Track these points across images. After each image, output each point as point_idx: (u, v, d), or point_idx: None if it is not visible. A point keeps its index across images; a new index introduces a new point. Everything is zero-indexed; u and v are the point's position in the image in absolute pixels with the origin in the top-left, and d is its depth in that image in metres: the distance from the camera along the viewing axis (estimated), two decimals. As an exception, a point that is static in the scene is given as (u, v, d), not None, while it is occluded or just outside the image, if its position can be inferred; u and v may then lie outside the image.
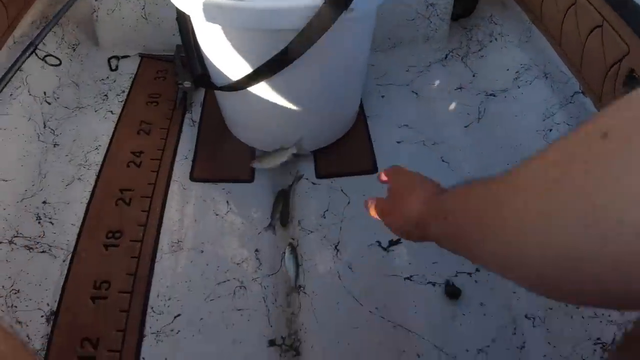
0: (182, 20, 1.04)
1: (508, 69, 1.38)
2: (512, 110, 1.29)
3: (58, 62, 1.00)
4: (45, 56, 0.94)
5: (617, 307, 0.32)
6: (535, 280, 0.32)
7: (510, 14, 1.49)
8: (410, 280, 0.98)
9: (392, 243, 1.03)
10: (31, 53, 0.90)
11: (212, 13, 0.85)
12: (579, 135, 0.28)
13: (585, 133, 0.28)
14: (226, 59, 0.96)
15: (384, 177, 0.70)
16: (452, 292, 0.96)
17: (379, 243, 1.03)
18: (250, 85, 0.96)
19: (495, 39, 1.48)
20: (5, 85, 0.83)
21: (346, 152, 1.20)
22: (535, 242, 0.30)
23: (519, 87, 1.33)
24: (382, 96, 1.37)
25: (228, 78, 0.98)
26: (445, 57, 1.51)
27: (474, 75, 1.44)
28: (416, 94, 1.38)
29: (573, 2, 1.14)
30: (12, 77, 0.84)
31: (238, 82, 0.96)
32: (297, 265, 0.99)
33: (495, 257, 0.36)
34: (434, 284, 0.98)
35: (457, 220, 0.45)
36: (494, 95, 1.35)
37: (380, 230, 1.04)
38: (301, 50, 0.86)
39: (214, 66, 1.00)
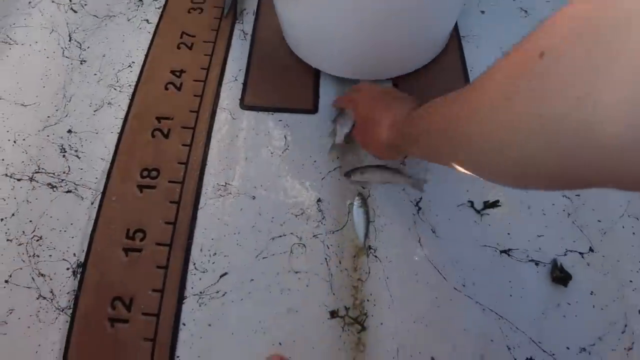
0: None
1: None
2: None
3: None
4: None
5: (573, 189, 0.35)
6: (503, 178, 0.39)
7: None
8: (508, 255, 0.78)
9: (488, 205, 0.82)
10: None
11: None
12: (523, 54, 0.33)
13: (526, 52, 0.32)
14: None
15: (341, 104, 0.81)
16: (561, 277, 0.75)
17: (472, 204, 0.82)
18: (317, -13, 0.72)
19: None
20: None
21: (434, 81, 0.95)
22: (500, 151, 0.36)
23: None
24: (482, 12, 1.09)
25: (289, -23, 0.75)
26: None
27: None
28: (525, 12, 1.09)
29: None
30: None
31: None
32: (368, 221, 0.80)
33: (466, 165, 0.43)
34: (537, 263, 0.77)
35: (428, 141, 0.51)
36: None
37: (474, 188, 0.83)
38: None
39: (271, -39, 0.77)
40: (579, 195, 0.83)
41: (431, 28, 0.88)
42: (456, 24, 1.04)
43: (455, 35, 1.03)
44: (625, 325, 0.73)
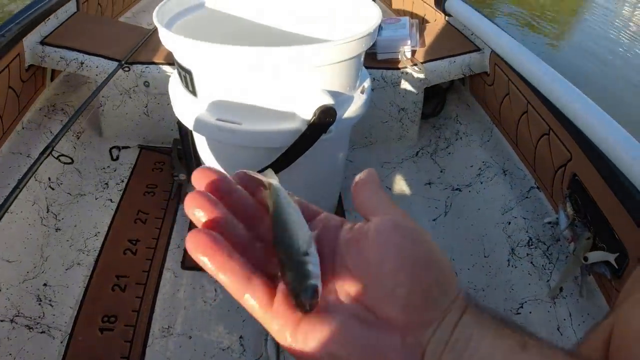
0: (183, 126, 1.17)
1: (472, 166, 1.53)
2: (475, 204, 1.43)
3: (70, 161, 1.13)
4: (59, 156, 1.06)
5: None
6: None
7: (474, 115, 1.67)
8: None
9: None
10: (48, 155, 1.02)
11: (212, 132, 0.99)
12: None
13: None
14: (220, 166, 1.09)
15: None
16: None
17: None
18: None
19: (461, 138, 1.65)
20: (23, 187, 0.94)
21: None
22: None
23: (481, 183, 1.47)
24: None
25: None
26: (416, 154, 1.67)
27: (441, 171, 1.59)
28: (390, 189, 1.52)
29: (525, 111, 1.32)
30: (29, 179, 0.95)
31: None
32: (279, 351, 1.09)
33: None
34: None
35: None
36: (460, 190, 1.50)
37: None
38: (286, 164, 1.00)
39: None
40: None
41: (317, 203, 1.26)
42: (342, 200, 1.43)
43: (340, 209, 1.42)
44: None
